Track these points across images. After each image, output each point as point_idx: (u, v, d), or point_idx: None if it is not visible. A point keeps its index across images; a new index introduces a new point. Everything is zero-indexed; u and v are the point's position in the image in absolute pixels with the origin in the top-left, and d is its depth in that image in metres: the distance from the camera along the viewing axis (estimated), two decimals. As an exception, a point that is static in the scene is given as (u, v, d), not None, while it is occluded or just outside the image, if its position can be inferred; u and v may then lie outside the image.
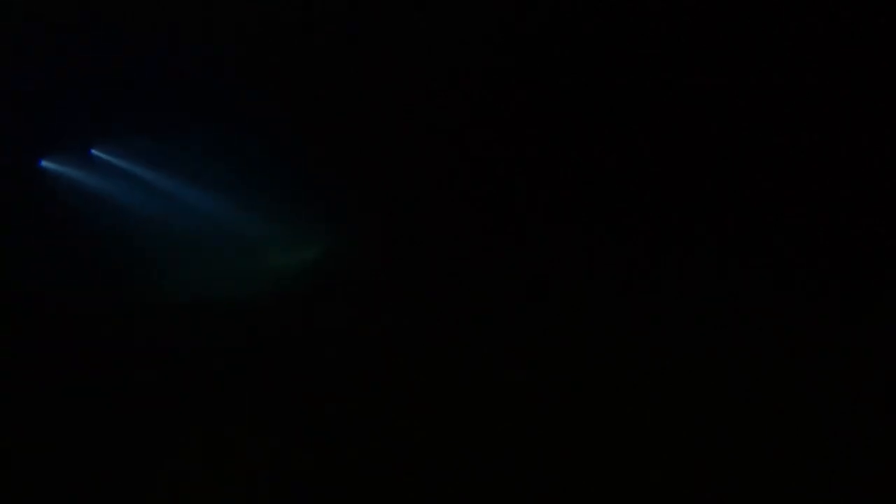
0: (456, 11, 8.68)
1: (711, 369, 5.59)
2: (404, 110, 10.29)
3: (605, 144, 9.39)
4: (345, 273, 11.28)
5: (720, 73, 8.23)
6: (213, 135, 11.62)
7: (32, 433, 5.52)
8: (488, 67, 9.45)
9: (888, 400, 4.75)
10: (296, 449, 4.89)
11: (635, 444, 4.54)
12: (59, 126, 10.91)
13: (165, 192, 12.54)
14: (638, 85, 8.84)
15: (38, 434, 5.49)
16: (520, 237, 10.22)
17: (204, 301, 10.48)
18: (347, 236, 12.27)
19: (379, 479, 4.40)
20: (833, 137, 7.66)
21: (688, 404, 5.02)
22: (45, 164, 11.40)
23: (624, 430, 4.74)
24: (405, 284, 9.92)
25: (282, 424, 5.33)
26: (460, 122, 10.20)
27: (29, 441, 5.35)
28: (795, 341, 5.91)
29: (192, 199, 12.66)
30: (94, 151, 11.78)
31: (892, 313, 6.10)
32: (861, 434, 4.36)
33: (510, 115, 9.99)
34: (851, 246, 7.25)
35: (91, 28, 8.39)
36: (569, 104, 9.47)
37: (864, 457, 4.13)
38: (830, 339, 5.85)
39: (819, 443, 4.34)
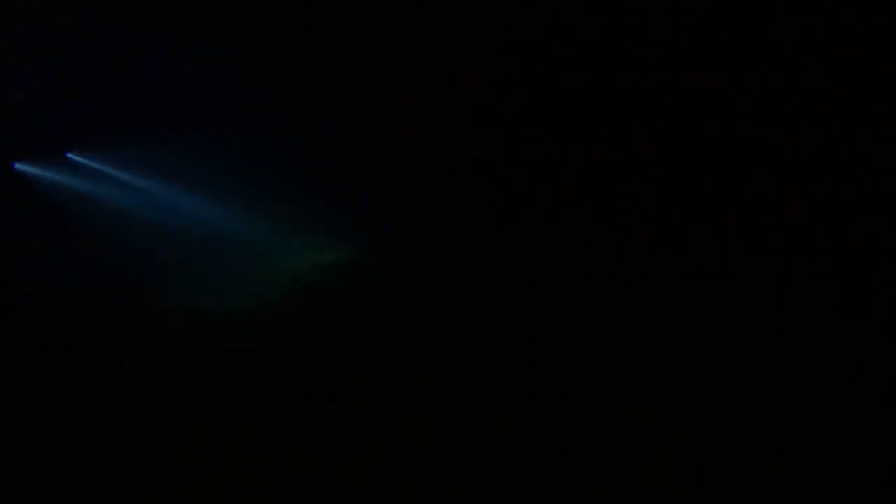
0: (456, 11, 8.69)
1: (711, 369, 5.59)
2: (404, 110, 10.29)
3: (605, 144, 9.39)
4: (345, 273, 11.28)
5: (720, 73, 8.24)
6: (213, 135, 11.61)
7: (32, 433, 5.52)
8: (488, 67, 9.45)
9: (888, 400, 4.75)
10: (296, 449, 4.89)
11: (635, 444, 4.55)
12: (58, 126, 10.90)
13: (164, 193, 12.52)
14: (638, 85, 8.84)
15: (38, 434, 5.48)
16: (520, 237, 10.21)
17: (203, 302, 10.48)
18: (347, 237, 12.26)
19: (379, 479, 4.41)
20: (833, 137, 7.66)
21: (688, 404, 5.02)
22: (43, 164, 11.39)
23: (624, 430, 4.73)
24: (405, 285, 9.91)
25: (282, 424, 5.33)
26: (460, 122, 10.20)
27: (29, 441, 5.35)
28: (795, 341, 5.91)
29: (190, 201, 12.65)
30: (93, 153, 11.77)
31: (893, 313, 6.10)
32: (861, 434, 4.36)
33: (510, 115, 9.99)
34: (851, 246, 7.25)
35: (91, 28, 8.39)
36: (569, 104, 9.47)
37: (864, 457, 4.13)
38: (830, 339, 5.85)
39: (819, 443, 4.34)
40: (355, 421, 5.26)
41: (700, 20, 8.07)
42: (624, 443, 4.55)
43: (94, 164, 11.91)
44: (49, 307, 9.51)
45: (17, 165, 11.04)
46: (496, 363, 6.24)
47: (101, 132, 11.38)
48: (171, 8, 8.14)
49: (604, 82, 9.06)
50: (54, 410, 5.97)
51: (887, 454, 4.11)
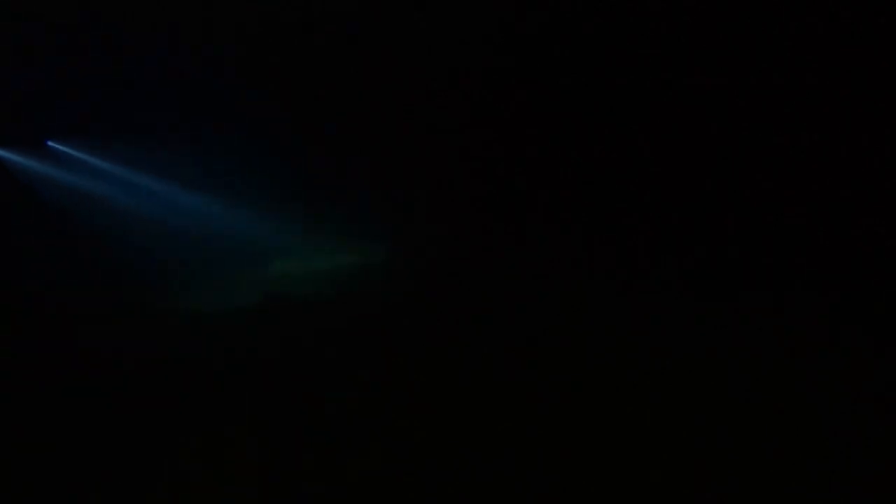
0: (456, 11, 8.69)
1: (711, 369, 5.59)
2: (404, 110, 10.29)
3: (605, 144, 9.40)
4: (344, 273, 11.29)
5: (720, 73, 8.24)
6: (213, 135, 11.62)
7: (32, 433, 5.52)
8: (488, 67, 9.46)
9: (888, 400, 4.76)
10: (296, 449, 4.89)
11: (635, 444, 4.55)
12: (59, 126, 10.92)
13: (164, 194, 12.54)
14: (638, 85, 8.84)
15: (38, 434, 5.49)
16: (520, 237, 10.22)
17: (203, 302, 10.49)
18: (346, 236, 12.27)
19: (379, 479, 4.41)
20: (833, 137, 7.67)
21: (688, 404, 5.03)
22: (42, 163, 11.40)
23: (624, 430, 4.74)
24: (405, 284, 9.92)
25: (282, 424, 5.33)
26: (460, 122, 10.21)
27: (29, 441, 5.35)
28: (795, 341, 5.92)
29: (191, 201, 12.66)
30: (92, 152, 11.78)
31: (893, 313, 6.11)
32: (861, 434, 4.36)
33: (510, 115, 9.99)
34: (851, 246, 7.25)
35: (91, 28, 8.40)
36: (569, 104, 9.47)
37: (864, 457, 4.13)
38: (830, 339, 5.86)
39: (819, 443, 4.34)
40: (355, 421, 5.26)
41: (700, 20, 8.07)
42: (624, 443, 4.56)
43: (94, 165, 11.92)
44: (49, 307, 9.52)
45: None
46: (496, 363, 6.25)
47: (100, 132, 11.39)
48: (171, 8, 8.14)
49: (604, 82, 9.06)
50: (54, 410, 5.98)
51: (887, 454, 4.11)
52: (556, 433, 4.77)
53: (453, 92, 9.82)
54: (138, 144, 11.86)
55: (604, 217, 9.55)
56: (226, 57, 9.52)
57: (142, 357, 7.45)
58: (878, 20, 6.96)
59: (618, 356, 6.07)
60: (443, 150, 10.55)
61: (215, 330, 8.76)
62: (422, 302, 8.78)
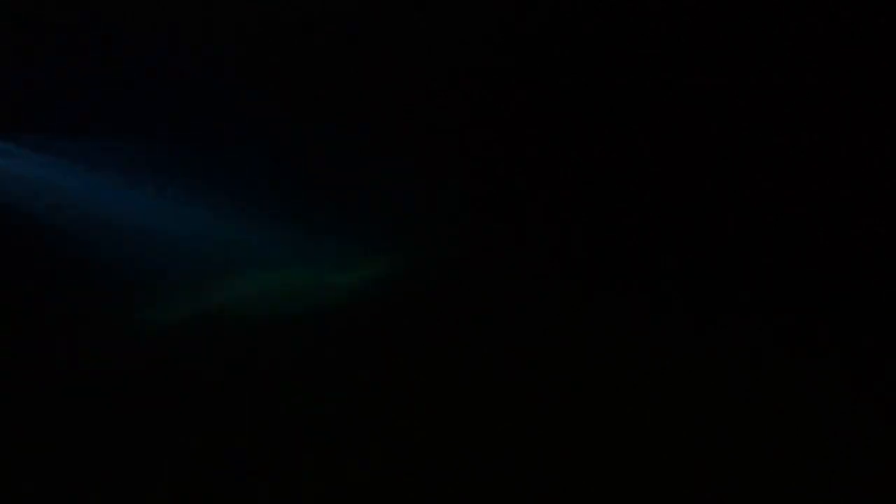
0: (456, 11, 8.70)
1: (711, 370, 5.59)
2: (404, 110, 10.29)
3: (605, 144, 9.40)
4: (344, 273, 11.28)
5: (720, 73, 8.24)
6: (213, 136, 11.62)
7: (32, 433, 5.52)
8: (488, 67, 9.46)
9: (888, 400, 4.76)
10: (296, 449, 4.90)
11: (635, 444, 4.55)
12: (59, 126, 10.91)
13: (164, 194, 12.52)
14: (638, 85, 8.85)
15: (38, 434, 5.49)
16: (520, 237, 10.22)
17: (202, 303, 10.48)
18: (346, 237, 12.27)
19: (379, 479, 4.41)
20: (833, 137, 7.67)
21: (688, 405, 5.03)
22: (41, 164, 11.39)
23: (624, 430, 4.74)
24: (405, 284, 9.91)
25: (282, 425, 5.33)
26: (460, 121, 10.21)
27: (29, 441, 5.35)
28: (795, 341, 5.92)
29: (190, 201, 12.65)
30: (91, 153, 11.77)
31: (892, 314, 6.11)
32: (861, 434, 4.36)
33: (511, 115, 10.00)
34: (851, 246, 7.25)
35: (91, 28, 8.41)
36: (569, 104, 9.48)
37: (864, 457, 4.13)
38: (830, 339, 5.86)
39: (819, 443, 4.34)
40: (355, 421, 5.26)
41: (700, 20, 8.07)
42: (624, 443, 4.56)
43: (94, 165, 11.92)
44: (49, 307, 9.51)
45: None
46: (496, 363, 6.25)
47: (99, 132, 11.39)
48: (171, 8, 8.15)
49: (604, 82, 9.06)
50: (54, 410, 5.98)
51: (887, 454, 4.11)
52: (557, 433, 4.77)
53: (453, 92, 9.82)
54: (137, 145, 11.86)
55: (604, 217, 9.55)
56: (226, 57, 9.52)
57: (142, 357, 7.45)
58: (878, 20, 6.96)
59: (618, 356, 6.07)
60: (443, 150, 10.55)
61: (215, 330, 8.76)
62: (422, 302, 8.78)
